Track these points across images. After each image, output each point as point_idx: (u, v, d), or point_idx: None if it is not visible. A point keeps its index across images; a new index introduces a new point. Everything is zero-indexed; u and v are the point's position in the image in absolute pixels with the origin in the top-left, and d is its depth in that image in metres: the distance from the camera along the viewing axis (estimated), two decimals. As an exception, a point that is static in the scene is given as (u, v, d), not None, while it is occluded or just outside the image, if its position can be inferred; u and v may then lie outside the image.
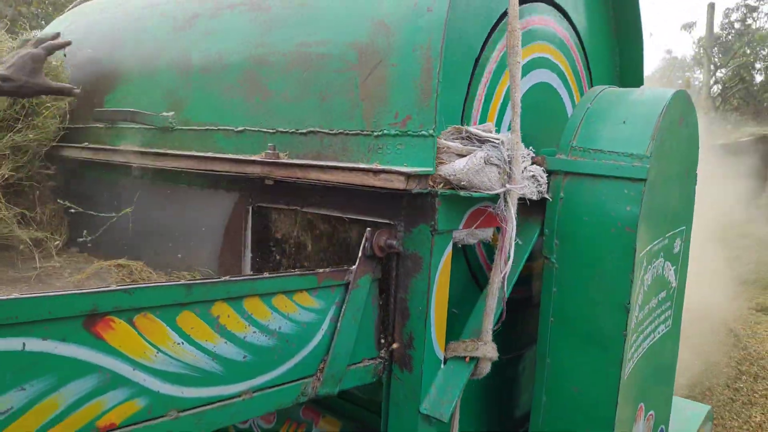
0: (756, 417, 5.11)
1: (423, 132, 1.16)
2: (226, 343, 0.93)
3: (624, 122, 1.43)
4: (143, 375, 0.83)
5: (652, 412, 1.82)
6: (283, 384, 1.04)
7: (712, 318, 6.42)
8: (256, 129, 1.48)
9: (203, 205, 1.66)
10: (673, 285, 1.76)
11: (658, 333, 1.72)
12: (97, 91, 2.01)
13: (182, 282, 0.86)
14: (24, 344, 0.70)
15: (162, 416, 0.87)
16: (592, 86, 1.93)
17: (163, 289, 0.84)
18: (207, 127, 1.62)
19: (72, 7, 2.76)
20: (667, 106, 1.40)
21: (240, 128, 1.52)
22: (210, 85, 1.63)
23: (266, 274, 0.99)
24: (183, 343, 0.87)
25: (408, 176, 1.11)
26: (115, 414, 0.81)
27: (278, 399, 1.03)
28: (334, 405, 1.86)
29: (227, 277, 0.92)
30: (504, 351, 1.39)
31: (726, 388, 5.42)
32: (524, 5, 1.51)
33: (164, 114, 1.72)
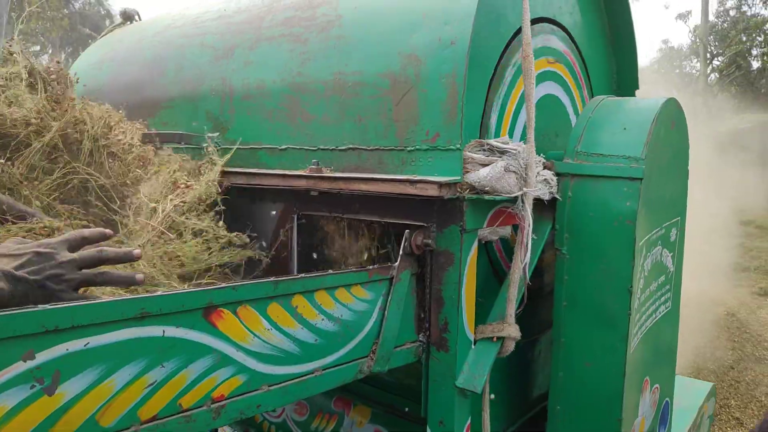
0: (761, 398, 5.29)
1: (451, 146, 1.37)
2: (302, 328, 1.14)
3: (624, 129, 1.63)
4: (243, 356, 1.04)
5: (657, 385, 2.02)
6: (345, 363, 1.24)
7: (715, 303, 6.61)
8: (299, 147, 1.69)
9: (251, 215, 1.86)
10: (671, 270, 1.97)
11: (659, 313, 1.93)
12: (139, 116, 2.21)
13: (271, 279, 1.06)
14: (164, 331, 0.91)
15: (257, 389, 1.07)
16: (592, 92, 2.14)
17: (258, 284, 1.04)
18: (251, 147, 1.83)
19: (105, 33, 2.97)
20: (659, 114, 1.60)
21: (283, 146, 1.73)
22: (252, 109, 1.84)
23: (330, 272, 1.19)
24: (271, 329, 1.08)
25: (440, 185, 1.31)
26: (224, 387, 1.01)
27: (342, 375, 1.24)
28: (365, 392, 2.06)
29: (303, 275, 1.12)
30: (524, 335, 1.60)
31: (730, 370, 5.61)
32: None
33: (210, 135, 1.92)
